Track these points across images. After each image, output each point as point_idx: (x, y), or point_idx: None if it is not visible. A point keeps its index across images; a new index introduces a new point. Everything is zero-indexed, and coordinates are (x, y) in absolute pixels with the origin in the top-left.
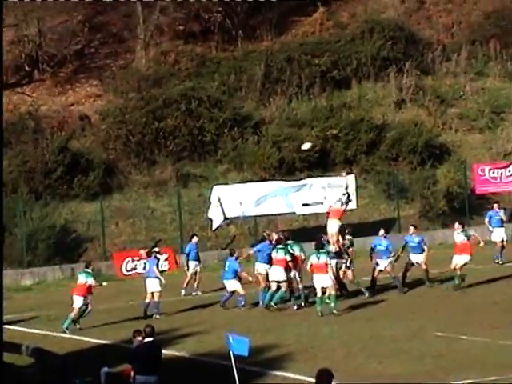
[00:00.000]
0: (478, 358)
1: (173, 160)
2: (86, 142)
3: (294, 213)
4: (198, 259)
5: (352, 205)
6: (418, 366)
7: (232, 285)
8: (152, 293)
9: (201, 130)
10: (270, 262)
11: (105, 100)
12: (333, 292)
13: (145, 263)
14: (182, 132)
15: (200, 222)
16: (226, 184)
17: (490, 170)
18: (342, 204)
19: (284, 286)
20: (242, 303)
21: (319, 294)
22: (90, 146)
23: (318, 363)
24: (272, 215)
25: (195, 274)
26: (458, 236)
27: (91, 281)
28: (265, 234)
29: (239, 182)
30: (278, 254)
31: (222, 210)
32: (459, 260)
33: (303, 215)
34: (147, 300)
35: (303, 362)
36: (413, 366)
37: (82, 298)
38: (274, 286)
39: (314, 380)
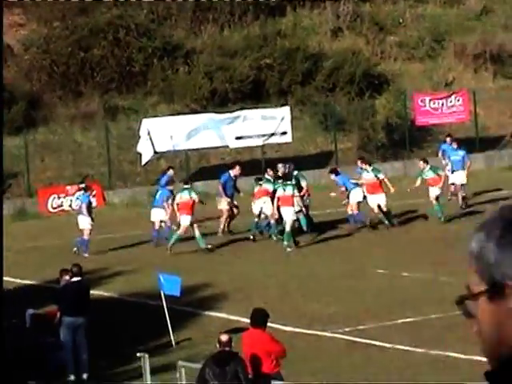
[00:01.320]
0: (419, 295)
1: (100, 92)
2: (9, 73)
3: (227, 146)
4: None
5: (287, 138)
6: (358, 304)
7: (157, 213)
8: (82, 230)
9: (129, 60)
10: (233, 195)
11: (28, 29)
12: (288, 228)
13: (71, 200)
14: (110, 62)
15: (129, 156)
16: (156, 117)
17: (430, 100)
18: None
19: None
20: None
21: (288, 227)
22: (13, 77)
23: (253, 303)
24: (204, 149)
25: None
26: (368, 174)
27: (195, 196)
28: (268, 170)
29: (169, 115)
30: (287, 191)
31: (152, 143)
32: (376, 201)
33: (236, 149)
34: (85, 237)
35: (237, 302)
36: (352, 305)
37: (190, 215)
38: (288, 226)
39: (248, 320)
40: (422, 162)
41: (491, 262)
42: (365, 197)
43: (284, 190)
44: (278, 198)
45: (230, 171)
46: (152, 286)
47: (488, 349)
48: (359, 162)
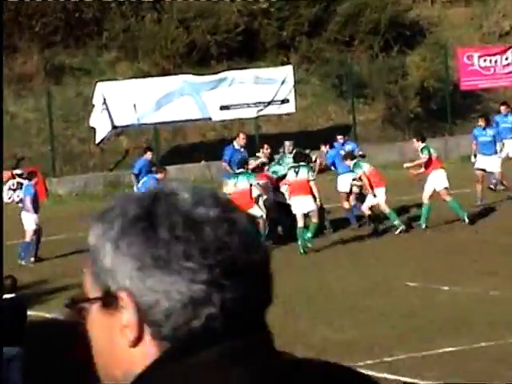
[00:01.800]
0: (463, 315)
1: (40, 46)
2: None
3: (209, 119)
4: None
5: (289, 107)
6: (382, 328)
7: None
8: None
9: (78, 4)
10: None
11: None
12: (315, 220)
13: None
14: (52, 8)
15: (79, 132)
16: (115, 80)
17: (480, 56)
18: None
19: (315, 216)
20: None
21: (300, 223)
22: None
23: None
24: (179, 122)
25: None
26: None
27: (255, 182)
28: (266, 146)
29: (132, 77)
30: (301, 175)
31: (110, 115)
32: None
33: (222, 122)
34: (27, 239)
35: None
36: (375, 329)
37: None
38: (301, 221)
39: None
40: (415, 140)
41: (106, 265)
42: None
43: (296, 173)
44: (290, 185)
45: (234, 142)
46: None
47: (101, 370)
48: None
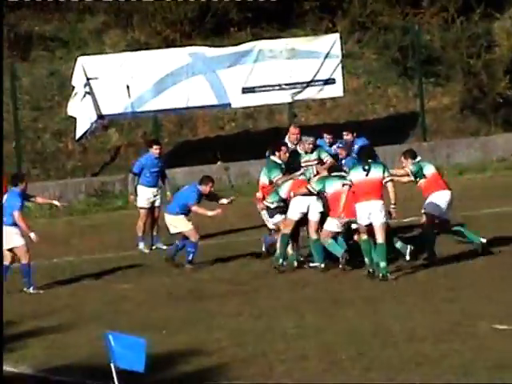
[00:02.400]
0: None
1: (3, 11)
2: None
3: (228, 105)
4: (156, 183)
5: (335, 89)
6: None
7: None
8: (11, 249)
9: None
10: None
11: None
12: (382, 236)
13: None
14: None
15: (53, 124)
16: (101, 53)
17: None
18: None
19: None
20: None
21: (364, 235)
22: None
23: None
24: (186, 110)
25: (152, 209)
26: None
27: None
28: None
29: (125, 50)
30: (374, 173)
31: (94, 101)
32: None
33: (244, 109)
34: (6, 263)
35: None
36: None
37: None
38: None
39: None
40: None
41: None
42: None
43: (367, 171)
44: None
45: (286, 138)
46: (95, 355)
47: None
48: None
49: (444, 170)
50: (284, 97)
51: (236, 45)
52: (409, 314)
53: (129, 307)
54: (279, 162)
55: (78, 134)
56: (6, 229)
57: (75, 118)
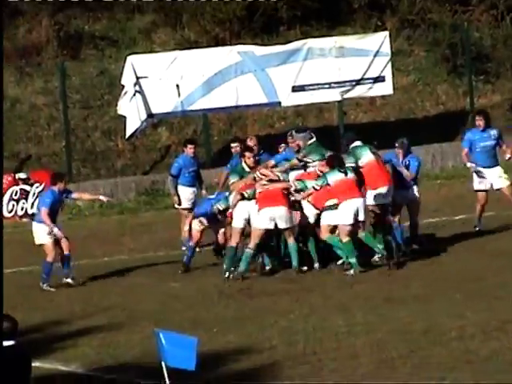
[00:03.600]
0: None
1: (51, 8)
2: None
3: (278, 104)
4: (195, 183)
5: (385, 87)
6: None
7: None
8: (42, 245)
9: None
10: None
11: None
12: (362, 233)
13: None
14: None
15: (104, 122)
16: (151, 52)
17: None
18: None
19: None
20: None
21: (347, 237)
22: None
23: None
24: (236, 108)
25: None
26: None
27: None
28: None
29: (174, 49)
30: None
31: (144, 100)
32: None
33: (294, 107)
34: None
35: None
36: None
37: None
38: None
39: None
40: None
41: None
42: None
43: (345, 172)
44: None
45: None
46: (146, 354)
47: None
48: None
49: None
50: (333, 95)
51: (285, 43)
52: (459, 311)
53: (179, 306)
54: (245, 167)
55: (128, 132)
56: (35, 225)
57: (125, 117)
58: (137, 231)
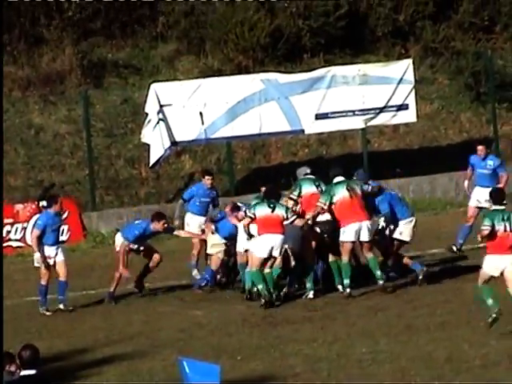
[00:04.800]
0: None
1: (74, 36)
2: None
3: (302, 131)
4: (203, 213)
5: (409, 115)
6: None
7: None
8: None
9: None
10: None
11: None
12: (277, 262)
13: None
14: None
15: (126, 151)
16: (174, 80)
17: None
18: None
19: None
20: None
21: (255, 267)
22: None
23: None
24: (260, 136)
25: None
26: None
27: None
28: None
29: (198, 77)
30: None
31: (168, 128)
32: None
33: (317, 135)
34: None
35: None
36: None
37: None
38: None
39: None
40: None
41: None
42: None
43: (272, 208)
44: None
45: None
46: (170, 381)
47: None
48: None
49: None
50: (357, 123)
51: (309, 71)
52: (483, 339)
53: (202, 334)
54: None
55: (152, 160)
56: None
57: (149, 145)
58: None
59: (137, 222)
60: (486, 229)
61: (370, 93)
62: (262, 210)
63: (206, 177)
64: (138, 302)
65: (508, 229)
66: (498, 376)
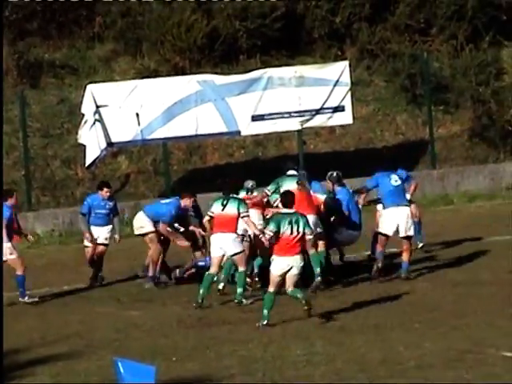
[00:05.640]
0: None
1: (10, 37)
2: None
3: (238, 133)
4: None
5: (345, 117)
6: None
7: None
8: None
9: None
10: None
11: None
12: (241, 268)
13: None
14: None
15: (63, 151)
16: (111, 81)
17: None
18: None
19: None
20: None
21: (214, 268)
22: None
23: None
24: (196, 137)
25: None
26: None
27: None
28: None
29: (134, 77)
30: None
31: (104, 128)
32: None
33: (253, 137)
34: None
35: None
36: None
37: None
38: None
39: None
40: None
41: None
42: None
43: (224, 206)
44: None
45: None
46: (105, 382)
47: None
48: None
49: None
50: (293, 124)
51: (245, 72)
52: (417, 341)
53: (138, 334)
54: None
55: (88, 161)
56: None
57: (85, 146)
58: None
59: (163, 201)
60: (268, 234)
61: (306, 94)
62: (216, 208)
63: (105, 189)
64: (75, 303)
65: (295, 231)
66: (432, 377)
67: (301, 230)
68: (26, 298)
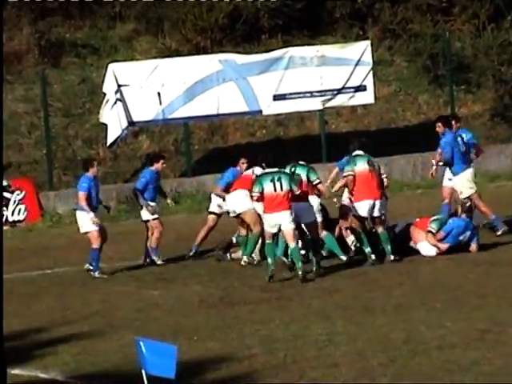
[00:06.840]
0: None
1: (32, 16)
2: None
3: (259, 112)
4: (155, 197)
5: (366, 97)
6: None
7: None
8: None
9: None
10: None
11: None
12: (292, 244)
13: None
14: None
15: (84, 131)
16: (132, 60)
17: None
18: None
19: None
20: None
21: (269, 238)
22: None
23: None
24: (217, 117)
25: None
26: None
27: None
28: None
29: (156, 57)
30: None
31: (125, 108)
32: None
33: (275, 116)
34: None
35: None
36: None
37: None
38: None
39: None
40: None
41: None
42: None
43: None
44: None
45: None
46: (126, 362)
47: None
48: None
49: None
50: (315, 104)
51: (267, 52)
52: (439, 321)
53: (159, 314)
54: None
55: (109, 140)
56: (78, 214)
57: (106, 125)
58: (116, 239)
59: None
60: (255, 195)
61: (327, 74)
62: (267, 186)
63: (161, 161)
64: (95, 282)
65: (278, 188)
66: (454, 357)
67: (285, 187)
68: (97, 272)
